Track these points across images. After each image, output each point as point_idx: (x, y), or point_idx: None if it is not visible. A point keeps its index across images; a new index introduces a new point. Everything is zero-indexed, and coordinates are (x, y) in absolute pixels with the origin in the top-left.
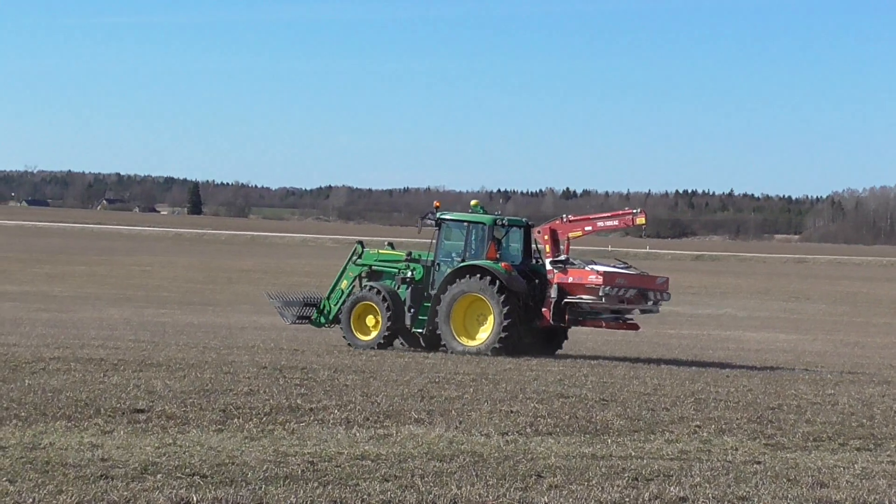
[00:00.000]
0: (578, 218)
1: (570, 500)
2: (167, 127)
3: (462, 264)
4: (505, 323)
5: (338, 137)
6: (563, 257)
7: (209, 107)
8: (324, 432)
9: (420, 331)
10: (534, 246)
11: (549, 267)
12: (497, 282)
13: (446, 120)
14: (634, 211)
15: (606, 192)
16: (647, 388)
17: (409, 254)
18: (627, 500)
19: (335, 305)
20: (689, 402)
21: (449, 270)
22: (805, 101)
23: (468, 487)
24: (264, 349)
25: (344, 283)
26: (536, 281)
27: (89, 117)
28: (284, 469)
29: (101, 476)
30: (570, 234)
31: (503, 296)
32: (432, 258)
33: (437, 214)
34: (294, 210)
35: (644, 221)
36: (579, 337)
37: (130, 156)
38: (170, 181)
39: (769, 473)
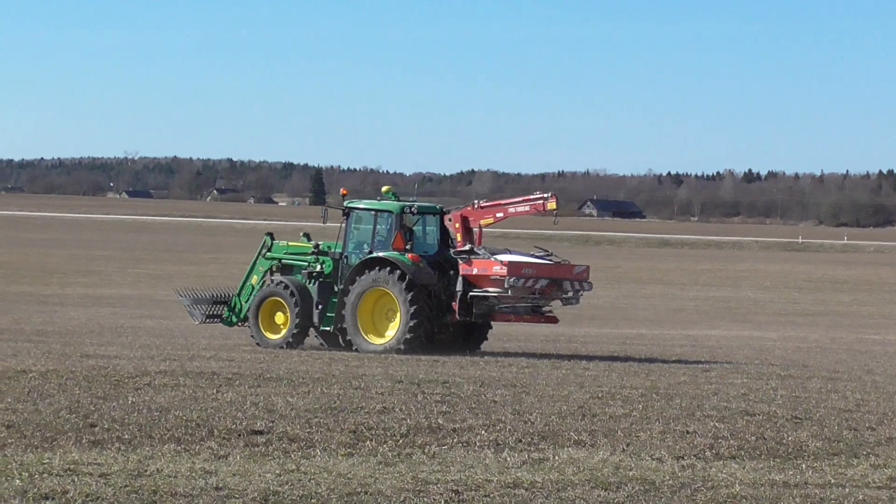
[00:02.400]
0: (490, 204)
1: None
2: (285, 107)
3: (368, 256)
4: (412, 319)
5: (481, 115)
6: (467, 247)
7: (333, 84)
8: (469, 456)
9: (328, 328)
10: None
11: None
12: (403, 275)
13: (607, 95)
14: (546, 195)
15: (796, 174)
16: (847, 404)
17: (317, 246)
18: None
19: (246, 303)
20: None
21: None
22: None
23: None
24: (399, 360)
25: (254, 279)
26: (452, 272)
27: (196, 98)
28: (424, 499)
29: None
30: (482, 222)
31: (410, 290)
32: (341, 250)
33: (345, 203)
34: (432, 198)
35: (555, 206)
36: (765, 343)
37: (244, 139)
38: (289, 167)
39: None
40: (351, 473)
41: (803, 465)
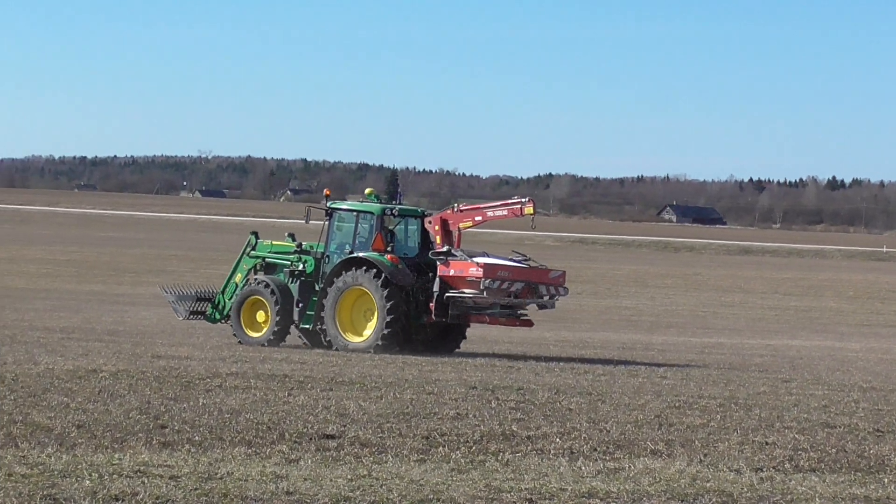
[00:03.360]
0: (469, 208)
1: None
2: (361, 107)
3: (347, 256)
4: (388, 319)
5: (560, 118)
6: (445, 248)
7: (410, 84)
8: (543, 464)
9: (307, 327)
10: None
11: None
12: (381, 275)
13: (689, 99)
14: (523, 200)
15: (881, 182)
16: None
17: (300, 245)
18: None
19: (229, 300)
20: None
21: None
22: None
23: None
24: (473, 365)
25: (238, 277)
26: (431, 274)
27: (271, 97)
28: None
29: None
30: (461, 225)
31: (387, 290)
32: (323, 249)
33: (328, 203)
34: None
35: (532, 211)
36: (847, 355)
37: (318, 139)
38: (363, 168)
39: None
40: (423, 480)
41: (885, 480)
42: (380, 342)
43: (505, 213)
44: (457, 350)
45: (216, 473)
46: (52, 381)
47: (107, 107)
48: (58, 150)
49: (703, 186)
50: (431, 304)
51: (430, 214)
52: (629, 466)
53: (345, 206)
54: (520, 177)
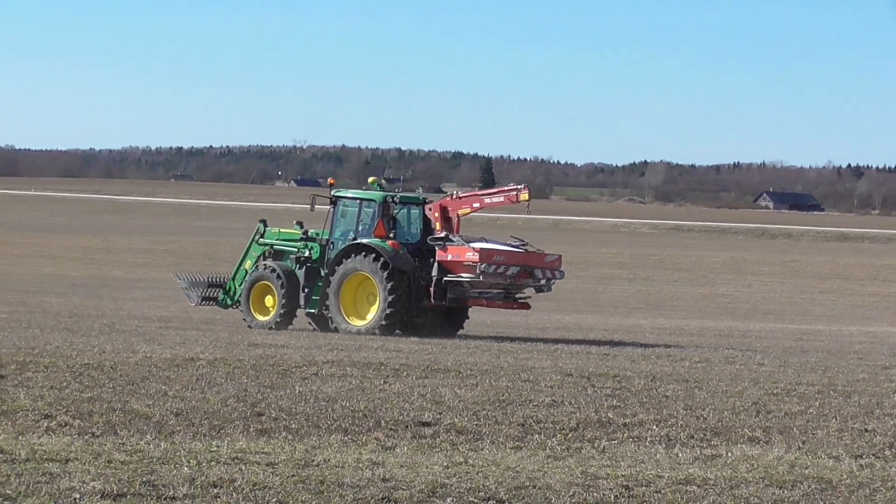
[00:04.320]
0: (467, 195)
1: None
2: (455, 95)
3: (350, 243)
4: (389, 301)
5: (655, 104)
6: (442, 234)
7: (503, 72)
8: (640, 452)
9: (312, 311)
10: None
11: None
12: (382, 260)
13: (784, 84)
14: (518, 187)
15: None
16: None
17: (306, 232)
18: None
19: (240, 286)
20: None
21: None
22: None
23: None
24: (569, 353)
25: (248, 263)
26: (431, 259)
27: (366, 86)
28: (594, 494)
29: (383, 498)
30: (460, 212)
31: (388, 275)
32: (327, 236)
33: (332, 192)
34: (603, 190)
35: (527, 197)
36: None
37: (412, 128)
38: (458, 157)
39: None
40: (519, 467)
41: None
42: (380, 325)
43: (501, 199)
44: (459, 333)
45: (313, 460)
46: (151, 369)
47: (203, 97)
48: (155, 140)
49: (801, 173)
50: (432, 289)
51: (431, 202)
52: (726, 453)
53: (348, 195)
54: (615, 164)
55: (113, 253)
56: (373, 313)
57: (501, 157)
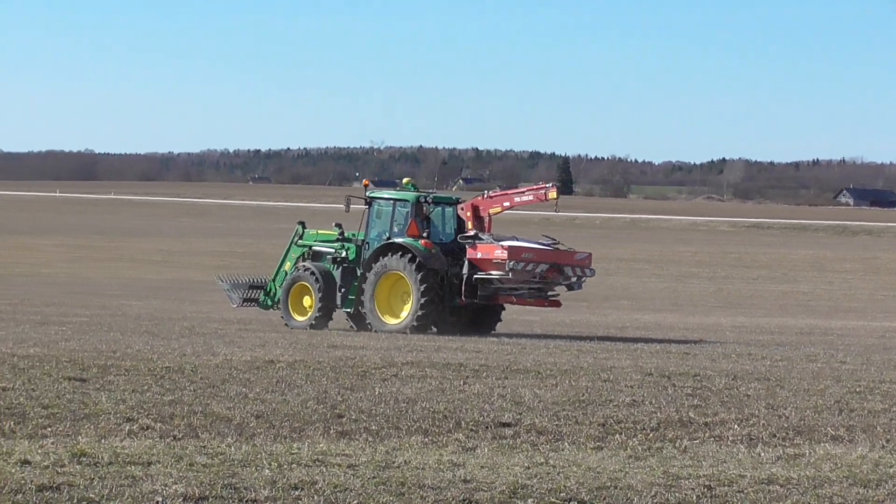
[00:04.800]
0: (497, 194)
1: None
2: (532, 94)
3: (384, 243)
4: (422, 301)
5: (732, 102)
6: (472, 232)
7: (579, 71)
8: (722, 451)
9: (349, 310)
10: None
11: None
12: (416, 260)
13: (863, 79)
14: (547, 185)
15: None
16: None
17: (342, 233)
18: None
19: (280, 287)
20: None
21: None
22: None
23: None
24: (649, 352)
25: (287, 265)
26: (464, 258)
27: (442, 86)
28: (676, 494)
29: (464, 500)
30: (491, 211)
31: (420, 273)
32: (363, 237)
33: (367, 193)
34: (681, 188)
35: (556, 196)
36: None
37: (490, 128)
38: (535, 156)
39: None
40: (600, 467)
41: None
42: (415, 323)
43: (531, 198)
44: (493, 331)
45: (393, 462)
46: (231, 371)
47: (281, 100)
48: (233, 143)
49: (881, 169)
50: (464, 287)
51: (463, 202)
52: (809, 452)
53: (383, 195)
54: (693, 162)
55: (192, 256)
56: (406, 312)
57: (579, 156)
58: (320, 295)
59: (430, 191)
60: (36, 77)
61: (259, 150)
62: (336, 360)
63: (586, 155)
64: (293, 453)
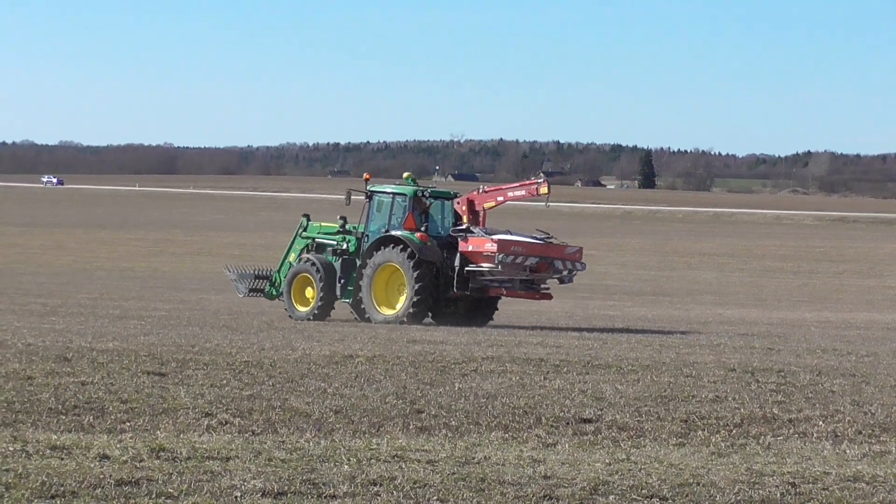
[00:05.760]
0: (491, 189)
1: None
2: (613, 87)
3: (381, 235)
4: (416, 290)
5: (817, 94)
6: (464, 226)
7: (660, 63)
8: (806, 448)
9: (348, 301)
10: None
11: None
12: (411, 252)
13: None
14: (538, 181)
15: None
16: None
17: (343, 226)
18: None
19: (284, 278)
20: None
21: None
22: None
23: None
24: (732, 348)
25: (292, 256)
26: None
27: (522, 79)
28: (760, 491)
29: (545, 496)
30: (485, 205)
31: (415, 266)
32: (363, 230)
33: (367, 186)
34: (765, 181)
35: (547, 191)
36: None
37: (570, 121)
38: (617, 149)
39: None
40: (683, 464)
41: None
42: (409, 312)
43: (523, 192)
44: (490, 322)
45: (473, 458)
46: (310, 366)
47: (360, 93)
48: (312, 136)
49: None
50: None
51: (460, 196)
52: None
53: (383, 190)
54: (777, 155)
55: (271, 250)
56: (402, 303)
57: (661, 149)
58: (322, 286)
59: (430, 186)
60: (116, 70)
61: (338, 144)
62: (415, 354)
63: (669, 148)
64: (372, 449)
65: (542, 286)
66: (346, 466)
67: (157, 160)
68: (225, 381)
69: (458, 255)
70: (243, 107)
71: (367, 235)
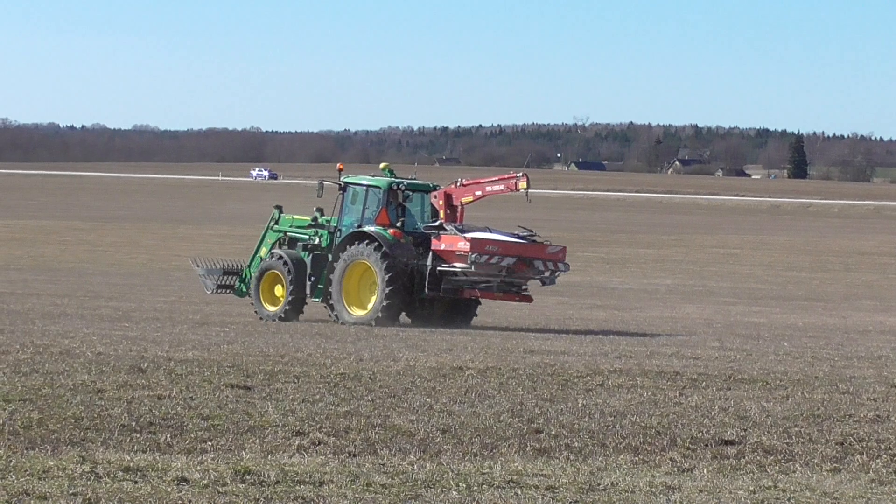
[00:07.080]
0: (470, 182)
1: None
2: (759, 64)
3: (353, 231)
4: (387, 292)
5: None
6: (437, 222)
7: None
8: None
9: (317, 300)
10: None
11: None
12: (382, 249)
13: None
14: (517, 175)
15: None
16: None
17: (315, 219)
18: None
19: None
20: None
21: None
22: None
23: None
24: (895, 360)
25: (263, 251)
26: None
27: (654, 56)
28: None
29: None
30: (463, 199)
31: (386, 264)
32: (335, 224)
33: (341, 178)
34: None
35: (526, 186)
36: None
37: (711, 102)
38: (763, 134)
39: None
40: (838, 492)
41: None
42: (380, 314)
43: (501, 187)
44: (471, 324)
45: (598, 484)
46: (414, 379)
47: (471, 72)
48: (417, 120)
49: None
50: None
51: (439, 189)
52: None
53: (357, 181)
54: None
55: None
56: (373, 303)
57: (814, 133)
58: (291, 283)
59: (409, 177)
60: (196, 49)
61: (447, 128)
62: (533, 366)
63: (822, 133)
64: (484, 473)
65: (523, 287)
66: (454, 493)
67: (242, 146)
68: (318, 396)
69: (431, 253)
70: (340, 87)
71: (339, 230)
